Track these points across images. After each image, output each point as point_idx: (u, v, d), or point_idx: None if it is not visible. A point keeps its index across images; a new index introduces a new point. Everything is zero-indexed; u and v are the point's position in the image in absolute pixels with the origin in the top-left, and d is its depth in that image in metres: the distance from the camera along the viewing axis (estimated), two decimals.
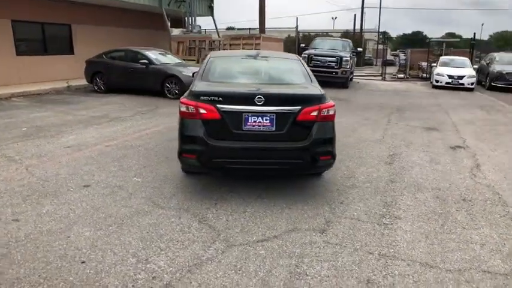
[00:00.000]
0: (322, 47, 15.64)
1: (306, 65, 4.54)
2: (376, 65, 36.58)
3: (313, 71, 4.64)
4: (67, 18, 14.53)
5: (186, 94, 3.87)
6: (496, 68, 15.55)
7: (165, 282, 2.49)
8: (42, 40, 13.97)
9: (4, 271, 2.56)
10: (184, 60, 13.40)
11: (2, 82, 12.02)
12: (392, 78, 20.43)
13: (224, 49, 15.20)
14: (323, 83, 4.93)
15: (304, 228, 3.30)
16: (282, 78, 4.29)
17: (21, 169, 4.66)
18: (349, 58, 14.43)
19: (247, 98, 3.53)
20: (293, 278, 2.59)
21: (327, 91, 4.12)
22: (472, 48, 20.09)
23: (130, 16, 16.92)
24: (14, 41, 12.78)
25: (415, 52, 23.56)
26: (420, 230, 3.36)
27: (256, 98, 3.50)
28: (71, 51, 14.96)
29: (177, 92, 10.82)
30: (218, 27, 19.63)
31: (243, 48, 14.84)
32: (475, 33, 20.37)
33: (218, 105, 3.51)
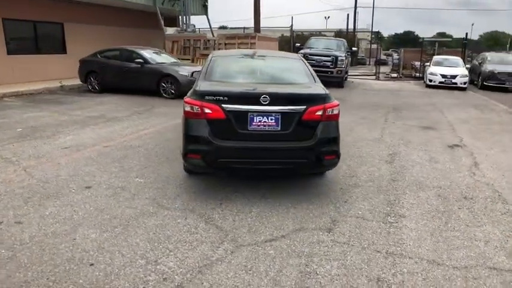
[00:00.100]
0: (317, 46, 15.69)
1: (308, 64, 4.54)
2: (369, 65, 36.82)
3: None
4: (59, 17, 14.35)
5: (189, 94, 3.84)
6: (488, 67, 15.77)
7: (176, 284, 2.48)
8: (34, 39, 13.79)
9: (11, 274, 2.52)
10: (179, 59, 13.31)
11: None
12: (385, 77, 20.59)
13: (219, 48, 15.14)
14: None
15: (311, 228, 3.31)
16: (285, 78, 4.29)
17: (20, 171, 4.58)
18: (344, 58, 14.51)
19: (253, 98, 3.52)
20: (304, 278, 2.60)
21: None
22: (464, 47, 20.35)
23: (123, 15, 16.77)
24: (4, 40, 12.58)
25: (408, 52, 23.80)
26: (425, 228, 3.40)
27: (261, 98, 3.49)
28: (63, 50, 14.78)
29: (173, 91, 10.77)
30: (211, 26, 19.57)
31: (238, 48, 14.81)
32: (467, 33, 20.68)
33: (223, 105, 3.50)
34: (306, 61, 4.66)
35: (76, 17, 14.82)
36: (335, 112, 3.75)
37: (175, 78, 10.69)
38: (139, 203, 3.72)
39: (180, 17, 17.67)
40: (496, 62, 16.27)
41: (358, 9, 38.15)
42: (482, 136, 7.09)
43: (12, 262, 2.66)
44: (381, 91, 14.70)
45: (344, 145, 5.94)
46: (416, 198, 4.07)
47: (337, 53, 14.56)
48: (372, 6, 40.80)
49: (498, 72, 15.26)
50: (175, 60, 12.26)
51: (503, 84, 15.15)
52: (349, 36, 34.14)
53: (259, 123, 3.56)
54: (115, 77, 11.38)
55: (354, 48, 18.16)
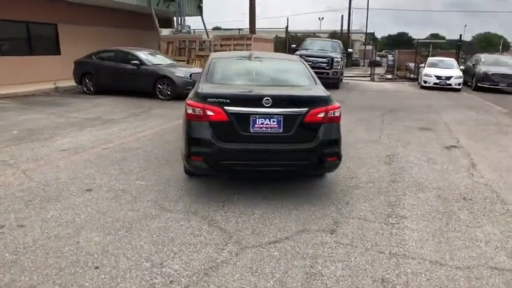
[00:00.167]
0: (312, 47, 15.75)
1: (308, 66, 4.56)
2: (363, 66, 37.02)
3: None
4: (53, 18, 14.25)
5: (191, 96, 3.84)
6: (482, 69, 15.95)
7: (183, 286, 2.48)
8: (27, 40, 13.66)
9: (16, 278, 2.50)
10: (174, 60, 13.29)
11: None
12: (380, 78, 20.72)
13: (215, 50, 15.14)
14: None
15: (314, 229, 3.32)
16: (286, 80, 4.31)
17: (19, 173, 4.55)
18: (340, 59, 14.60)
19: (255, 100, 3.54)
20: (310, 279, 2.61)
21: None
22: (458, 49, 20.55)
23: (118, 16, 16.70)
24: None
25: (402, 53, 23.98)
26: (426, 228, 3.43)
27: (264, 100, 3.50)
28: (57, 51, 14.67)
29: (169, 93, 10.75)
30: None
31: (234, 49, 14.81)
32: (461, 35, 20.86)
33: (226, 107, 3.51)
34: (306, 63, 4.68)
35: (70, 18, 14.72)
36: (336, 114, 3.78)
37: (172, 79, 10.67)
38: (141, 205, 3.71)
39: (175, 18, 17.64)
40: (489, 63, 16.47)
41: (351, 10, 38.34)
42: (479, 137, 7.17)
43: (17, 266, 2.64)
44: (377, 92, 14.80)
45: (343, 146, 5.94)
46: (416, 199, 4.11)
47: (333, 55, 14.64)
48: (364, 7, 41.07)
49: (492, 74, 15.44)
50: (171, 62, 12.23)
51: (497, 85, 15.34)
52: (343, 38, 34.34)
53: (261, 126, 3.57)
54: (110, 79, 11.33)
55: (349, 50, 18.30)
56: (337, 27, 38.49)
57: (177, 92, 10.59)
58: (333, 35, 35.93)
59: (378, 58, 31.79)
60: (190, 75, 10.79)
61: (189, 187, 4.20)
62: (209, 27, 20.94)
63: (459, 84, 15.61)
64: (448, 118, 9.15)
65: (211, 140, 3.53)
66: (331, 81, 14.56)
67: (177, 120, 7.83)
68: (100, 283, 2.48)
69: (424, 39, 32.33)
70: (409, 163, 5.38)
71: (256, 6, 19.34)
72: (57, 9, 14.21)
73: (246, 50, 15.02)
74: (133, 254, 2.84)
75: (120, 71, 11.13)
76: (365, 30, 38.33)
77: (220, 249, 2.94)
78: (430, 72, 16.16)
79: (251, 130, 3.57)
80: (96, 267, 2.65)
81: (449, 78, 15.61)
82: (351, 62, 36.00)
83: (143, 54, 11.52)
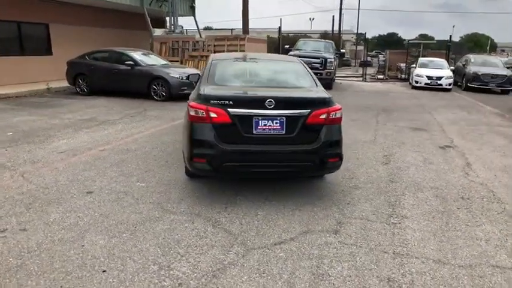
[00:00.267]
0: (306, 48, 15.82)
1: (308, 68, 4.60)
2: (354, 66, 37.22)
3: None
4: (44, 18, 14.05)
5: (193, 97, 3.84)
6: (472, 69, 16.20)
7: None
8: (18, 40, 13.45)
9: (23, 283, 2.48)
10: (168, 61, 13.22)
11: None
12: (372, 79, 20.93)
13: (208, 50, 15.11)
14: None
15: (317, 230, 3.36)
16: (288, 82, 4.33)
17: (17, 176, 4.49)
18: (333, 59, 14.70)
19: (258, 102, 3.55)
20: (317, 279, 2.64)
21: None
22: (448, 49, 20.84)
23: (110, 16, 16.56)
24: None
25: (393, 53, 24.23)
26: (427, 228, 3.49)
27: (266, 102, 3.52)
28: (49, 51, 14.47)
29: (164, 94, 10.70)
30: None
31: (228, 49, 14.80)
32: (451, 36, 21.21)
33: (229, 109, 3.52)
34: (306, 65, 4.71)
35: (62, 18, 14.53)
36: (338, 115, 3.82)
37: (166, 80, 10.62)
38: (144, 207, 3.70)
39: (167, 18, 17.55)
40: (479, 63, 16.75)
41: (342, 11, 38.59)
42: (472, 137, 7.30)
43: (22, 270, 2.61)
44: (369, 92, 14.93)
45: None
46: (415, 199, 4.17)
47: (326, 55, 14.73)
48: (354, 8, 41.37)
49: (482, 74, 15.70)
50: (166, 62, 12.17)
51: (487, 85, 15.61)
52: (334, 38, 34.53)
53: (264, 127, 3.59)
54: (104, 79, 11.23)
55: (342, 50, 18.43)
56: (327, 28, 38.68)
57: (172, 93, 10.56)
58: (324, 35, 36.10)
59: (368, 58, 32.08)
60: (188, 76, 10.76)
61: (190, 189, 4.20)
62: (201, 26, 20.85)
63: (450, 85, 15.85)
64: (441, 118, 9.29)
65: (214, 142, 3.54)
66: (325, 82, 14.52)
67: (173, 121, 7.82)
68: (108, 286, 2.48)
69: (414, 39, 32.70)
70: (406, 163, 5.46)
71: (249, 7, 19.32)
72: (48, 9, 14.02)
73: (240, 50, 15.02)
74: (139, 256, 2.83)
75: (114, 72, 11.04)
76: (356, 30, 38.61)
77: (226, 251, 2.95)
78: (421, 72, 16.36)
79: (254, 132, 3.59)
80: (104, 271, 2.64)
81: (440, 78, 15.83)
82: (342, 62, 36.22)
83: (137, 55, 11.45)
